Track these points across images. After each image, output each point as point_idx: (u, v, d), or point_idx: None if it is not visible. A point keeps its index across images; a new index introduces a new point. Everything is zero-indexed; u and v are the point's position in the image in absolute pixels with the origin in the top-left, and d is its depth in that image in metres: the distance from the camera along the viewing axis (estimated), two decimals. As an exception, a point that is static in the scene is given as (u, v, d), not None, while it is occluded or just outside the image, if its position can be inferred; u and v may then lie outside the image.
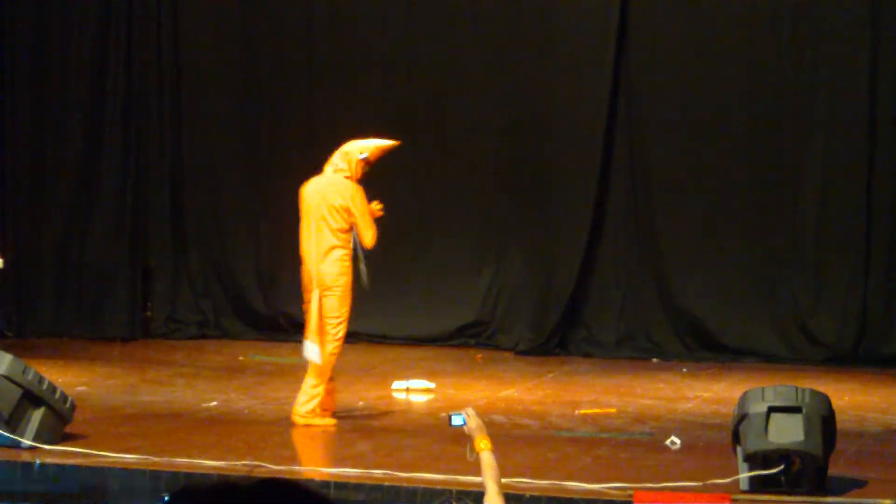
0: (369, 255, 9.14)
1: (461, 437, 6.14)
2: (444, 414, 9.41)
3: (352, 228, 9.02)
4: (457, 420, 6.01)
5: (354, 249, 9.05)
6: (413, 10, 12.80)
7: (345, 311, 9.02)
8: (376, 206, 9.16)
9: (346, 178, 9.09)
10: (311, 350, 8.86)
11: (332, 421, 9.05)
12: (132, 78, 13.18)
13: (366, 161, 9.13)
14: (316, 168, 12.89)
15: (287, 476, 7.41)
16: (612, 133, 12.31)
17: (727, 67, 12.18)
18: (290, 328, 12.92)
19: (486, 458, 5.80)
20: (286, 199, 13.04)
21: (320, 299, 8.91)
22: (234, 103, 13.25)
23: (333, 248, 8.97)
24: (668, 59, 12.28)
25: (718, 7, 12.18)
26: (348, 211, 8.96)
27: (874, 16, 11.80)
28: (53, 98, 13.28)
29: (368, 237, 9.00)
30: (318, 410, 8.92)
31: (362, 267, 9.09)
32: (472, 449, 5.88)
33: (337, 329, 8.98)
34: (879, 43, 11.79)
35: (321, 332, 8.90)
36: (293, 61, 13.11)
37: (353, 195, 8.98)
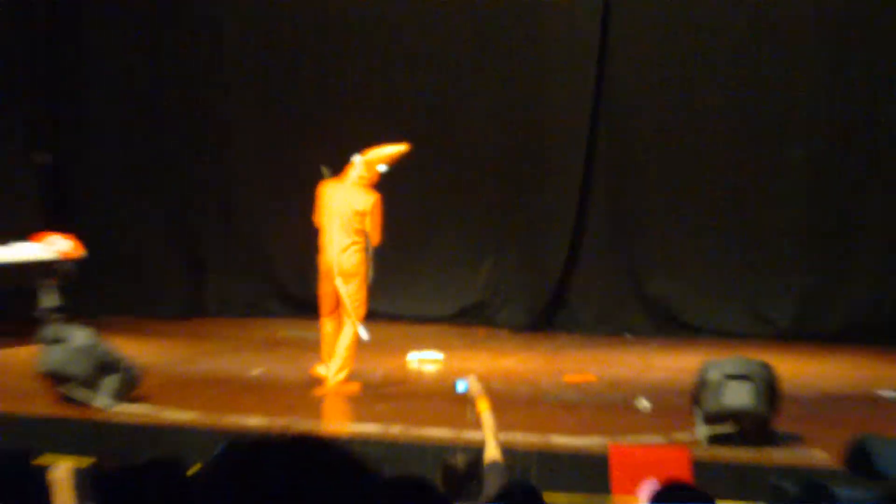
0: (375, 252, 9.21)
1: (465, 400, 6.17)
2: (451, 379, 9.46)
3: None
4: (461, 385, 6.05)
5: (366, 248, 9.15)
6: (422, 31, 12.78)
7: (364, 293, 9.12)
8: None
9: (367, 185, 9.13)
10: (363, 331, 9.06)
11: (356, 385, 9.10)
12: (186, 96, 13.21)
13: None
14: (341, 171, 12.99)
15: (317, 432, 7.45)
16: (593, 146, 12.33)
17: (702, 81, 12.11)
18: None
19: (486, 417, 5.83)
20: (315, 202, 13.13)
21: (344, 285, 9.00)
22: (273, 118, 13.27)
23: (354, 243, 9.06)
24: (646, 74, 12.24)
25: (696, 21, 12.07)
26: (366, 216, 9.01)
27: (834, 34, 11.76)
28: (117, 121, 13.34)
29: (376, 239, 9.14)
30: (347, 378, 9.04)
31: (370, 262, 9.17)
32: (474, 409, 5.91)
33: (359, 309, 9.09)
34: (819, 65, 11.79)
35: (347, 313, 9.02)
36: (325, 80, 13.12)
37: (374, 205, 9.08)
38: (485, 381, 6.24)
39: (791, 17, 11.85)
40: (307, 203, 12.99)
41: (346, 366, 9.03)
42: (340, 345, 9.04)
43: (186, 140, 13.26)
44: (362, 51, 12.95)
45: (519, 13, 12.46)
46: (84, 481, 4.85)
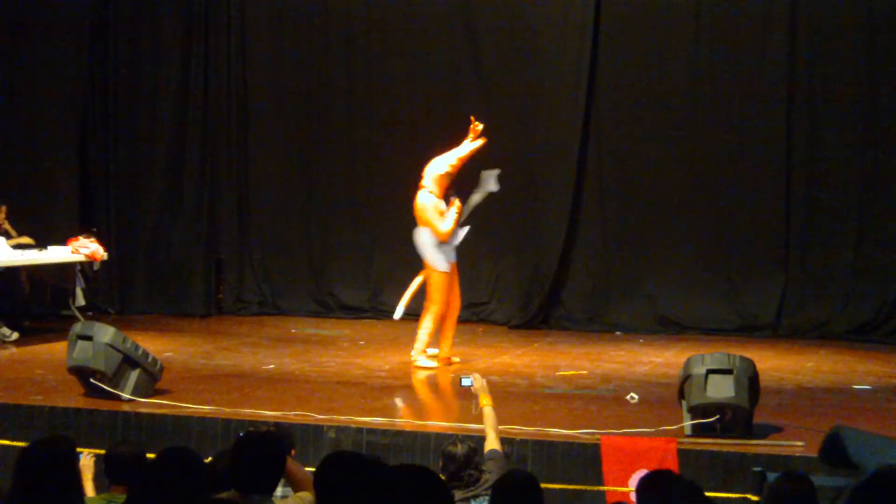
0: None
1: (467, 394, 6.16)
2: (453, 375, 9.45)
3: None
4: (466, 381, 6.10)
5: None
6: (426, 50, 12.80)
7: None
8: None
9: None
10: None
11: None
12: (208, 111, 13.20)
13: (448, 174, 9.70)
14: (354, 177, 12.96)
15: (328, 423, 7.41)
16: (584, 161, 12.31)
17: (672, 109, 12.14)
18: (335, 307, 12.95)
19: (488, 411, 5.83)
20: (332, 204, 13.10)
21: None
22: (289, 128, 13.25)
23: None
24: (632, 87, 12.22)
25: (665, 55, 12.15)
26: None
27: (790, 51, 11.77)
28: (145, 134, 13.32)
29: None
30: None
31: None
32: (477, 404, 5.91)
33: None
34: (795, 74, 11.78)
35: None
36: (335, 97, 13.11)
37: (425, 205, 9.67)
38: (483, 375, 6.22)
39: (771, 25, 11.83)
40: (323, 208, 13.06)
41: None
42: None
43: (208, 146, 13.22)
44: (372, 60, 12.93)
45: (515, 32, 12.47)
46: (101, 467, 4.85)
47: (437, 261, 9.66)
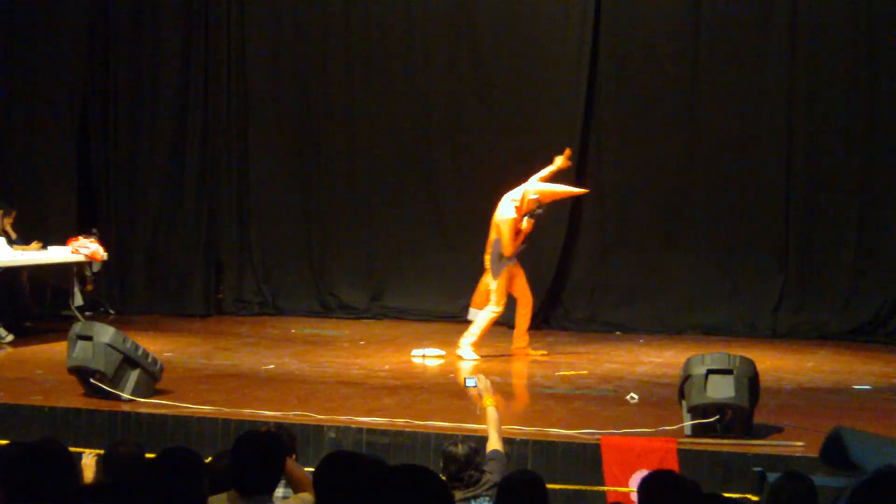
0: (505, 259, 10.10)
1: (467, 393, 6.15)
2: (453, 374, 9.45)
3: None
4: (470, 381, 6.15)
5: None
6: (425, 51, 12.81)
7: (497, 288, 10.16)
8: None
9: (518, 206, 10.00)
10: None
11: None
12: (208, 111, 13.20)
13: (536, 201, 10.04)
14: (354, 177, 12.95)
15: (328, 423, 7.40)
16: (584, 161, 12.27)
17: (672, 109, 12.15)
18: (335, 307, 12.95)
19: (491, 412, 5.84)
20: (332, 207, 13.09)
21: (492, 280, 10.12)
22: (289, 129, 13.25)
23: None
24: (628, 102, 12.23)
25: (665, 55, 12.15)
26: (499, 227, 9.98)
27: (789, 62, 11.78)
28: (145, 134, 13.31)
29: (506, 251, 10.04)
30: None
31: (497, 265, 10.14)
32: (481, 405, 5.93)
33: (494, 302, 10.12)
34: (795, 74, 11.77)
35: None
36: (334, 96, 13.11)
37: (506, 222, 9.97)
38: (484, 374, 6.22)
39: (771, 25, 11.82)
40: (323, 211, 13.06)
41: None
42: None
43: (207, 146, 13.21)
44: (372, 61, 12.93)
45: (515, 32, 12.46)
46: (100, 465, 4.84)
47: (497, 269, 10.16)
